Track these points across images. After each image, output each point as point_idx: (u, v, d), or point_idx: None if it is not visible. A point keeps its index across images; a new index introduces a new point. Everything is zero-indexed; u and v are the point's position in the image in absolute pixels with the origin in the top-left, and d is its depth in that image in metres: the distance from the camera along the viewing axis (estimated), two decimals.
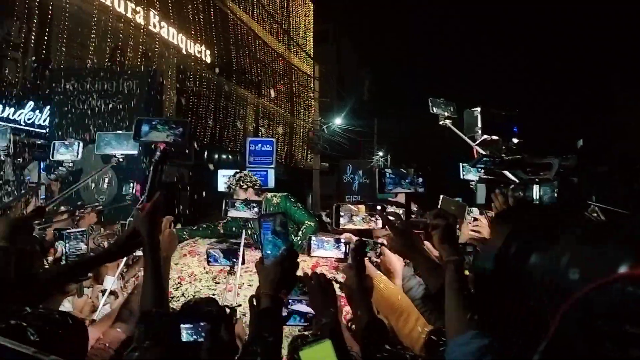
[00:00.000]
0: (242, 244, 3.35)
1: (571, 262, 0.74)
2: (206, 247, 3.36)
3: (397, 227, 1.78)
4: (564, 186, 1.97)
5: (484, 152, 3.14)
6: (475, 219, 3.05)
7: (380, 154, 29.49)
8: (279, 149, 21.07)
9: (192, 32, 17.13)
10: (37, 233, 2.60)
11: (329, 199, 26.49)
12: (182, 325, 1.32)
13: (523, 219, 1.03)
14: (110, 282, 3.13)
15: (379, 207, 2.10)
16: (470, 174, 3.44)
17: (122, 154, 2.98)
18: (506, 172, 2.81)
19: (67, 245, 2.44)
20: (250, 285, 3.45)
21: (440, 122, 3.56)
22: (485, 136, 3.11)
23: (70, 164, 3.20)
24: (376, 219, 2.10)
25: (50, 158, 3.23)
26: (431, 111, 3.57)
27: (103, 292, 3.17)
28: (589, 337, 0.65)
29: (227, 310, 1.47)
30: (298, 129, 26.17)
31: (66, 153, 3.17)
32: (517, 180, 2.78)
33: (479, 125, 3.15)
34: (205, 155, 17.41)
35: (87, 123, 7.40)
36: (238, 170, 4.91)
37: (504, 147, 2.83)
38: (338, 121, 26.09)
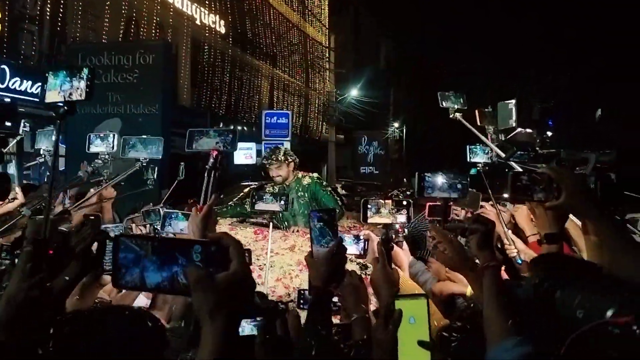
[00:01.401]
0: (270, 232, 3.51)
1: (579, 304, 1.08)
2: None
3: (451, 240, 1.72)
4: (601, 183, 1.85)
5: (492, 146, 3.08)
6: (481, 206, 2.93)
7: (396, 125, 29.23)
8: (294, 120, 21.01)
9: (206, 2, 16.95)
10: (65, 226, 2.60)
11: (344, 170, 26.54)
12: (243, 320, 1.34)
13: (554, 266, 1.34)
14: None
15: (404, 203, 2.15)
16: (477, 157, 3.25)
17: (146, 158, 2.99)
18: (512, 163, 2.70)
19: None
20: (272, 267, 3.56)
21: (451, 116, 3.34)
22: (519, 129, 3.01)
23: (106, 156, 3.16)
24: (402, 213, 2.13)
25: (86, 150, 3.20)
26: (440, 105, 3.37)
27: None
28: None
29: (282, 306, 1.50)
30: (313, 101, 25.98)
31: (101, 145, 3.15)
32: (521, 170, 2.67)
33: (513, 117, 3.04)
34: (221, 126, 17.41)
35: (104, 97, 7.44)
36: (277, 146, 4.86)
37: (538, 141, 2.72)
38: (354, 92, 25.80)
